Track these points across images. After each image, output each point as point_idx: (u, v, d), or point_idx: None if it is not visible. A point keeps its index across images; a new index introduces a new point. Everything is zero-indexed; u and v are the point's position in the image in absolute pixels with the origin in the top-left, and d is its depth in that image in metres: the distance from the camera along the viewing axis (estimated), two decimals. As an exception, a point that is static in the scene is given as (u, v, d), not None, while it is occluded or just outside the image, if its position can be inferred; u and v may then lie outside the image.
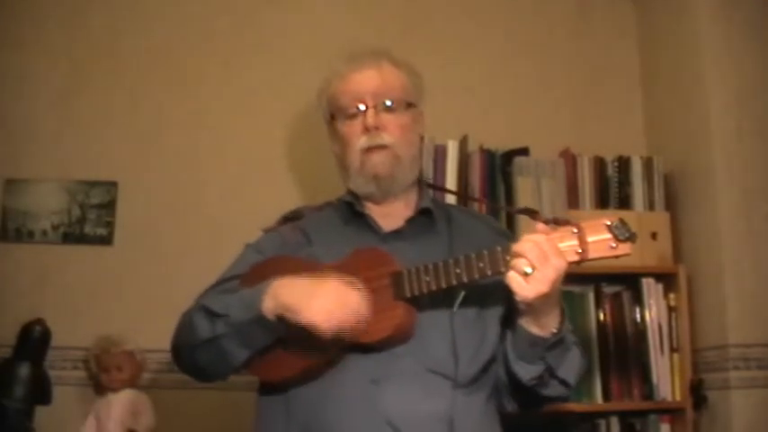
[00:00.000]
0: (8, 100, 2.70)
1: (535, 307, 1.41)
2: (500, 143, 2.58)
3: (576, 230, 1.38)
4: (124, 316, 2.54)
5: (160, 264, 2.61)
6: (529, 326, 1.45)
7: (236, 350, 1.50)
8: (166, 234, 2.65)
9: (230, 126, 2.74)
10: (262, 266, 1.60)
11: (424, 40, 2.82)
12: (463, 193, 2.47)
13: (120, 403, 2.39)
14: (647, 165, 2.58)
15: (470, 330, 1.54)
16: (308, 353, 1.47)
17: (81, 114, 2.72)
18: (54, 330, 2.28)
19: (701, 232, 2.48)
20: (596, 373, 2.41)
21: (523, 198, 2.47)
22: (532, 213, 1.62)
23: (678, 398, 2.39)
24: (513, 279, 1.37)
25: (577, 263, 1.39)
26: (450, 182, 2.47)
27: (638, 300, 2.45)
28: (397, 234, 1.63)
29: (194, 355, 1.56)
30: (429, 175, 2.47)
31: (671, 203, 2.57)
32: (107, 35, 2.78)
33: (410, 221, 1.65)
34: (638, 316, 2.45)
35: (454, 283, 1.45)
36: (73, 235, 2.65)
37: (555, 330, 1.45)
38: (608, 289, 2.48)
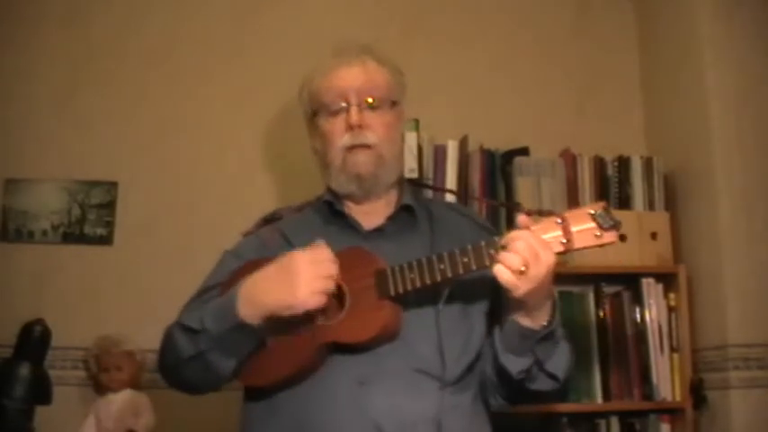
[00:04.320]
0: (8, 100, 2.70)
1: (527, 302, 1.40)
2: (500, 143, 2.58)
3: (559, 221, 1.37)
4: (124, 316, 2.54)
5: (160, 264, 2.60)
6: (520, 318, 1.44)
7: (223, 361, 1.48)
8: (166, 234, 2.64)
9: (230, 126, 2.74)
10: (240, 273, 1.57)
11: (424, 40, 2.82)
12: (463, 191, 2.47)
13: (120, 403, 2.39)
14: (647, 165, 2.58)
15: (456, 327, 1.53)
16: (292, 355, 1.47)
17: (81, 114, 2.72)
18: (54, 330, 2.27)
19: (701, 232, 2.48)
20: (596, 373, 2.41)
21: (523, 198, 2.46)
22: (514, 206, 1.60)
23: (678, 398, 2.39)
24: (506, 276, 1.35)
25: (563, 253, 1.38)
26: (451, 182, 2.47)
27: (638, 300, 2.45)
28: (378, 232, 1.61)
29: (181, 373, 1.54)
30: (429, 174, 2.47)
31: (671, 203, 2.57)
32: (107, 35, 2.78)
33: (391, 219, 1.63)
34: (638, 316, 2.45)
35: (439, 279, 1.43)
36: (73, 235, 2.64)
37: (545, 323, 1.44)
38: (608, 289, 2.49)
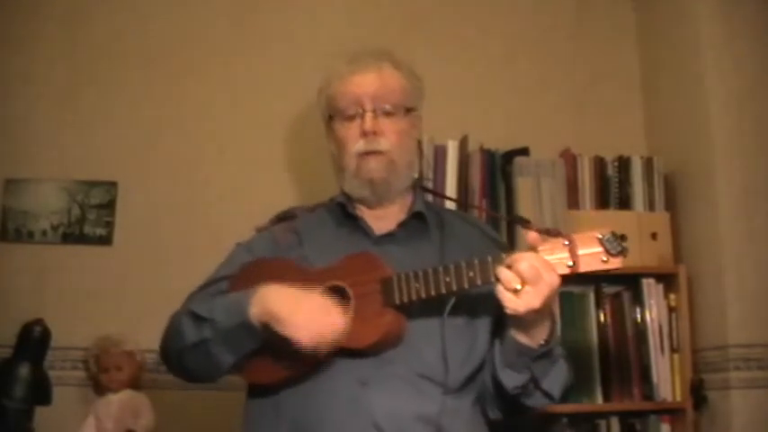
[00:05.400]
0: (8, 100, 2.70)
1: (526, 320, 1.41)
2: (500, 143, 2.58)
3: (567, 243, 1.37)
4: (124, 316, 2.54)
5: (160, 264, 2.61)
6: (518, 335, 1.45)
7: (223, 355, 1.50)
8: (166, 234, 2.65)
9: (230, 126, 2.74)
10: (251, 267, 1.59)
11: (424, 41, 2.82)
12: (463, 199, 2.46)
13: (119, 403, 2.39)
14: (647, 165, 2.58)
15: (460, 337, 1.53)
16: (295, 357, 1.47)
17: (81, 114, 2.72)
18: (54, 330, 2.28)
19: (701, 232, 2.48)
20: (596, 373, 2.41)
21: (523, 198, 2.46)
22: (525, 223, 1.61)
23: (678, 398, 2.39)
24: (504, 295, 1.37)
25: (568, 276, 1.38)
26: (451, 182, 2.47)
27: (638, 300, 2.45)
28: (389, 237, 1.63)
29: (182, 359, 1.56)
30: (429, 175, 2.47)
31: (671, 203, 2.57)
32: (107, 35, 2.78)
33: (402, 225, 1.64)
34: (638, 316, 2.45)
35: (443, 291, 1.44)
36: (73, 235, 2.64)
37: (543, 342, 1.45)
38: (608, 289, 2.48)
